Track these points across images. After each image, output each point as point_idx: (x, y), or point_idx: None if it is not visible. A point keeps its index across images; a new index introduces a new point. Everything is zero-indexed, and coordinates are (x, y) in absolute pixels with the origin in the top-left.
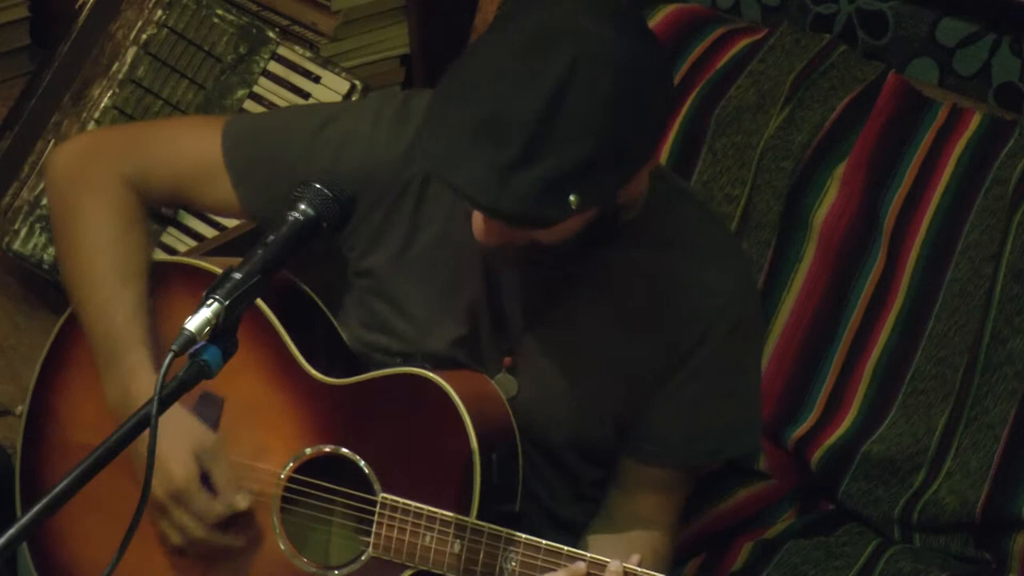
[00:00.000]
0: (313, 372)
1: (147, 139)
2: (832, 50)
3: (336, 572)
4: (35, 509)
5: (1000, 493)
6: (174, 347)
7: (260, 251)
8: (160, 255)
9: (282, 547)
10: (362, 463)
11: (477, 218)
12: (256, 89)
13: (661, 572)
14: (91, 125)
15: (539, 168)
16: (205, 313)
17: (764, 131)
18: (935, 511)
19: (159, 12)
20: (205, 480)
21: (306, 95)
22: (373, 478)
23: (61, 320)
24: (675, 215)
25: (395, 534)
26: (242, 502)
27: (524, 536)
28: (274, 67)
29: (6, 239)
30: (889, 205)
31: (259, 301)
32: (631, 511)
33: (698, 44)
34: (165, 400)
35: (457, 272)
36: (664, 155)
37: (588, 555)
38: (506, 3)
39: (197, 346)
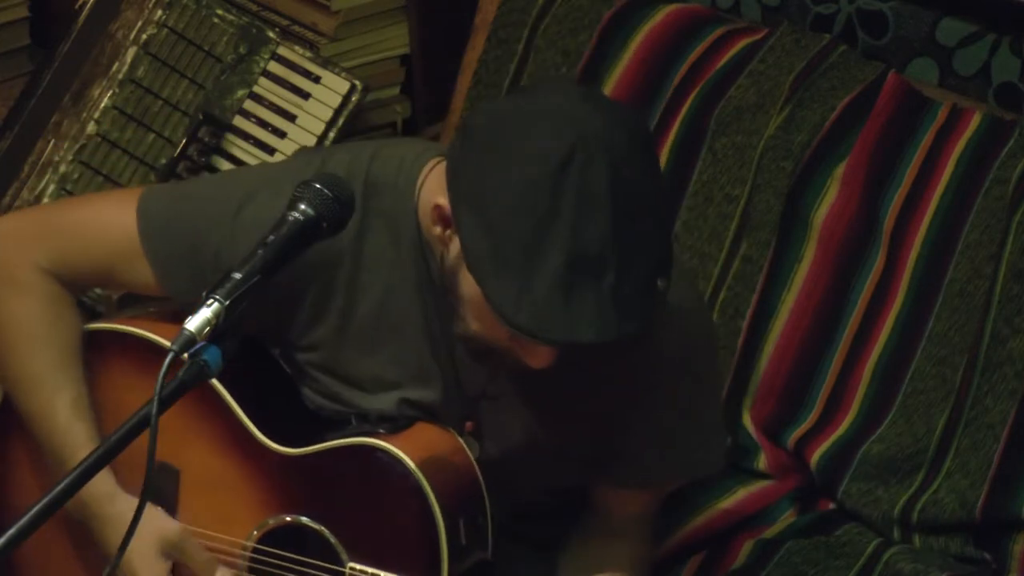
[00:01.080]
0: (267, 443)
1: (60, 225)
2: (832, 50)
3: None
4: (34, 510)
5: (1000, 493)
6: (174, 347)
7: (260, 251)
8: (94, 324)
9: None
10: (327, 533)
11: (531, 354)
12: (256, 89)
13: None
14: (91, 125)
15: (633, 278)
16: (205, 313)
17: (764, 131)
18: (935, 511)
19: (159, 12)
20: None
21: (306, 95)
22: (339, 548)
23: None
24: None
25: None
26: None
27: None
28: (274, 67)
29: None
30: (889, 205)
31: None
32: (607, 529)
33: (698, 44)
34: (165, 400)
35: (403, 341)
36: (664, 155)
37: None
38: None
39: (197, 346)
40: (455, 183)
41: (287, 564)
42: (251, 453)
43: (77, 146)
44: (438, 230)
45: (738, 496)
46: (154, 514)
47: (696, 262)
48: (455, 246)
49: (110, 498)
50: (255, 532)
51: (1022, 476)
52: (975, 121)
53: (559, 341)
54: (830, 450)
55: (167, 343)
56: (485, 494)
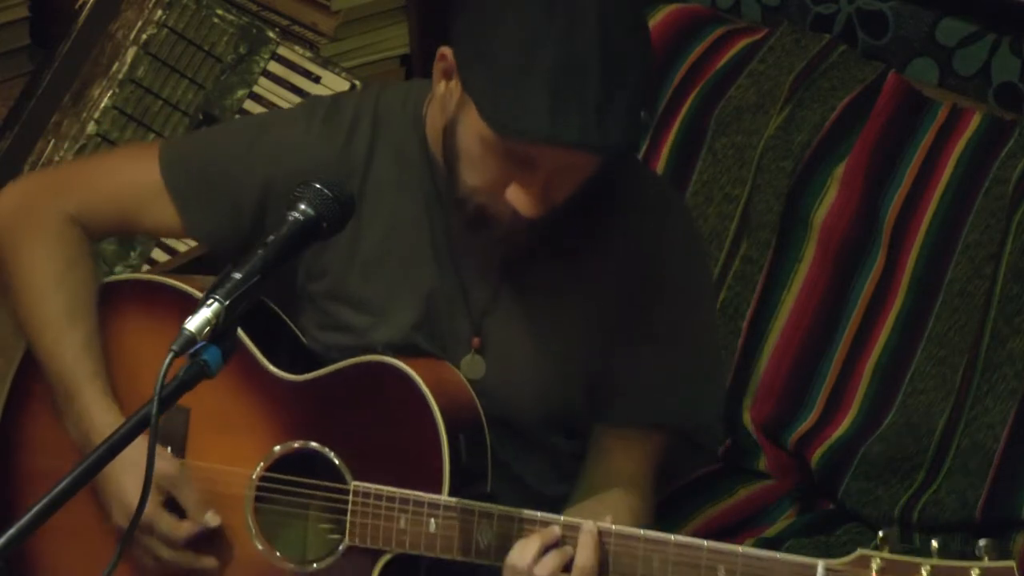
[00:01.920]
0: (276, 371)
1: (86, 173)
2: (832, 50)
3: (315, 566)
4: (34, 510)
5: (1000, 493)
6: (174, 347)
7: (260, 251)
8: (115, 276)
9: (259, 547)
10: (332, 455)
11: (522, 194)
12: (256, 89)
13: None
14: (91, 125)
15: (621, 97)
16: (205, 313)
17: (764, 131)
18: (935, 511)
19: (159, 12)
20: (173, 504)
21: (306, 95)
22: (344, 468)
23: (23, 351)
24: (615, 179)
25: (369, 520)
26: (212, 521)
27: (498, 508)
28: (274, 67)
29: None
30: (889, 205)
31: (191, 288)
32: (606, 476)
33: (698, 44)
34: (165, 400)
35: (409, 262)
36: (664, 154)
37: (562, 519)
38: None
39: (197, 346)
40: (457, 27)
41: (292, 489)
42: (260, 385)
43: (77, 146)
44: (442, 86)
45: (738, 496)
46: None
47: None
48: (457, 92)
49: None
50: (262, 463)
51: (1022, 476)
52: (975, 121)
53: (544, 138)
54: (830, 450)
55: (182, 286)
56: (485, 428)
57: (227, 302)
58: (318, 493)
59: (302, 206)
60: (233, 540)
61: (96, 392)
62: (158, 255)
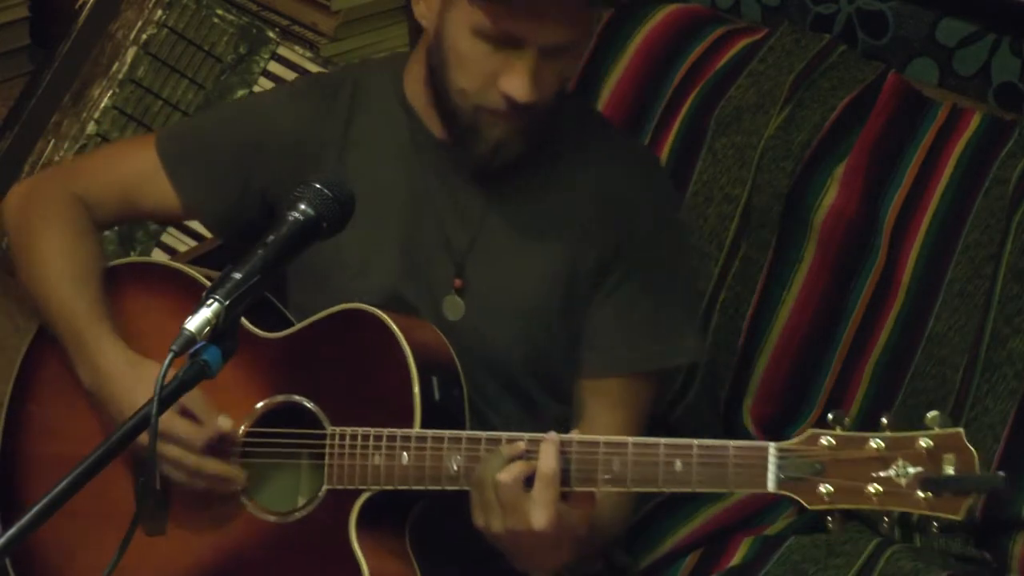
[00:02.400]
0: (256, 331)
1: (90, 162)
2: (832, 50)
3: (296, 514)
4: (34, 510)
5: (1000, 493)
6: (174, 347)
7: (260, 251)
8: (126, 259)
9: (245, 503)
10: (309, 404)
11: (514, 78)
12: (256, 89)
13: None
14: (91, 125)
15: None
16: (205, 313)
17: (764, 131)
18: None
19: (159, 12)
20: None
21: None
22: (322, 416)
23: (26, 344)
24: (586, 123)
25: (346, 461)
26: (225, 423)
27: (465, 432)
28: (274, 67)
29: (6, 239)
30: (889, 205)
31: (197, 273)
32: (589, 432)
33: (698, 44)
34: (165, 400)
35: (390, 212)
36: (664, 154)
37: (527, 435)
38: None
39: (197, 346)
40: None
41: (276, 442)
42: (243, 346)
43: (77, 146)
44: (421, 6)
45: (738, 495)
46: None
47: (696, 262)
48: (437, 3)
49: (133, 362)
50: (247, 421)
51: (1022, 476)
52: (975, 121)
53: None
54: None
55: (177, 265)
56: (461, 375)
57: (227, 302)
58: (300, 443)
59: (302, 206)
60: (224, 498)
61: (106, 330)
62: (158, 255)
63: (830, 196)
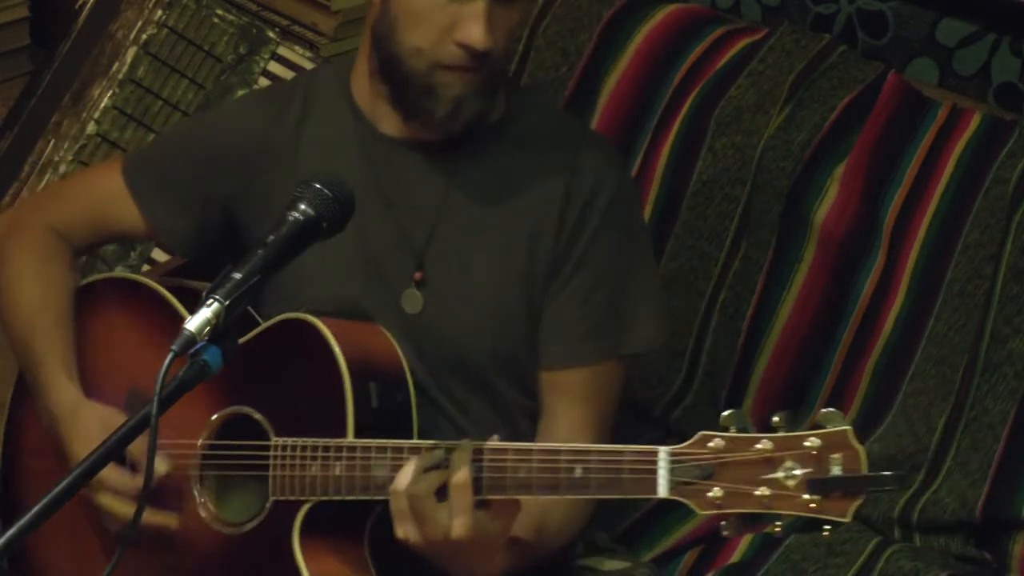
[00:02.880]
0: None
1: (61, 189)
2: (832, 50)
3: (247, 525)
4: (34, 510)
5: (1000, 493)
6: (174, 347)
7: (260, 251)
8: (91, 277)
9: (203, 515)
10: (258, 415)
11: (469, 25)
12: (256, 89)
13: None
14: (91, 125)
15: None
16: (205, 313)
17: (764, 131)
18: (935, 511)
19: (159, 12)
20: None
21: None
22: (267, 426)
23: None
24: (539, 111)
25: (287, 472)
26: (161, 466)
27: (391, 441)
28: (274, 67)
29: None
30: (889, 205)
31: (161, 289)
32: (552, 425)
33: (698, 44)
34: (165, 400)
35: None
36: (664, 154)
37: (445, 443)
38: None
39: (197, 346)
40: None
41: (229, 454)
42: None
43: (77, 146)
44: None
45: None
46: (100, 412)
47: (696, 262)
48: None
49: (81, 404)
50: (204, 434)
51: (1022, 476)
52: (975, 121)
53: None
54: None
55: (144, 280)
56: (408, 377)
57: (227, 302)
58: (249, 454)
59: (302, 206)
60: (184, 509)
61: (55, 371)
62: (158, 255)
63: (830, 196)
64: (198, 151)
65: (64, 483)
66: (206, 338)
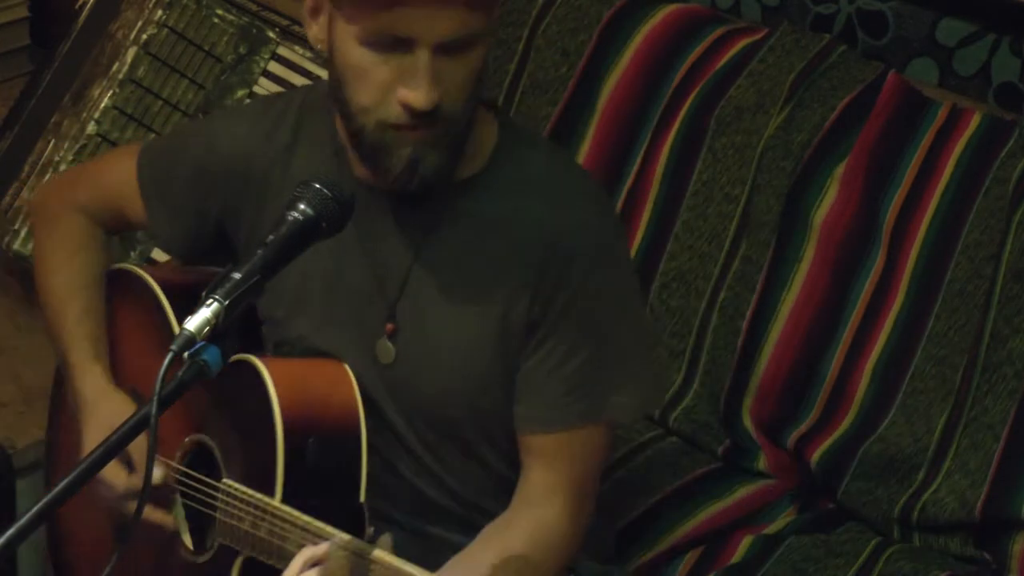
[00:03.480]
0: None
1: (92, 169)
2: (832, 50)
3: (201, 557)
4: (34, 510)
5: (1000, 493)
6: (173, 347)
7: (260, 251)
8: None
9: (172, 533)
10: (216, 450)
11: (410, 86)
12: (256, 89)
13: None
14: (91, 125)
15: None
16: (205, 313)
17: (764, 131)
18: (935, 511)
19: (159, 12)
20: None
21: None
22: (221, 463)
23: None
24: (525, 162)
25: (228, 519)
26: (157, 471)
27: (306, 520)
28: (274, 67)
29: (6, 239)
30: (889, 205)
31: (160, 291)
32: (525, 490)
33: (698, 44)
34: (165, 400)
35: (323, 252)
36: (664, 154)
37: (342, 537)
38: None
39: (197, 346)
40: None
41: (186, 481)
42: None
43: (77, 146)
44: (314, 28)
45: (738, 496)
46: (111, 409)
47: (696, 262)
48: (326, 14)
49: (105, 393)
50: (179, 453)
51: (1022, 476)
52: (975, 121)
53: None
54: (830, 450)
55: (144, 275)
56: (363, 436)
57: (226, 302)
58: (203, 489)
59: (301, 206)
60: (160, 524)
61: (85, 353)
62: (158, 255)
63: (830, 196)
64: (191, 162)
65: (65, 481)
66: (205, 338)
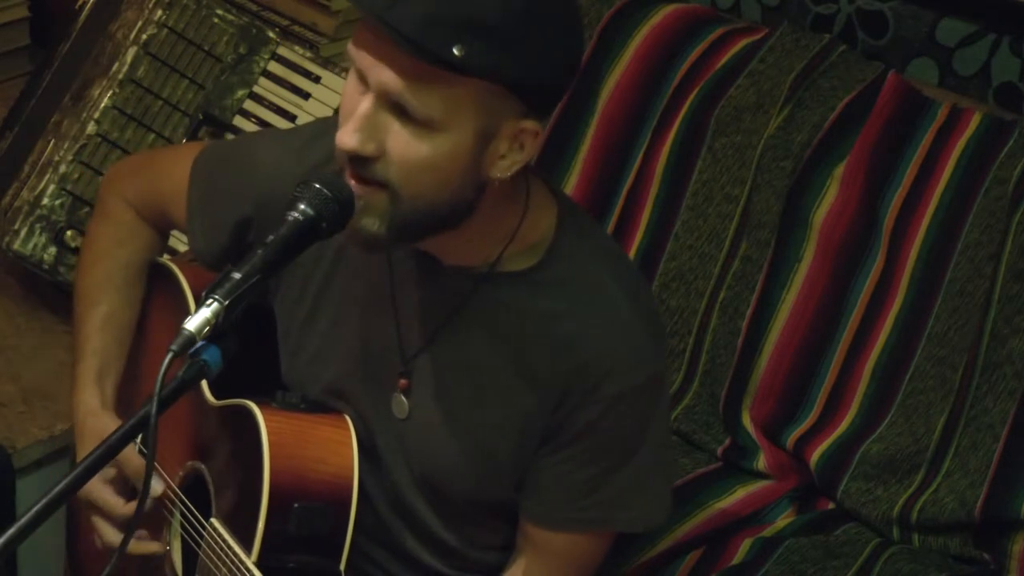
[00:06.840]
0: (205, 391)
1: (150, 163)
2: (832, 50)
3: None
4: (34, 510)
5: (999, 493)
6: (173, 347)
7: (260, 251)
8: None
9: (167, 553)
10: (211, 485)
11: (350, 120)
12: (256, 89)
13: None
14: (91, 125)
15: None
16: (205, 313)
17: (764, 131)
18: (934, 511)
19: (159, 12)
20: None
21: (306, 95)
22: (213, 500)
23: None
24: (579, 263)
25: (209, 560)
26: (156, 486)
27: None
28: (274, 67)
29: (6, 239)
30: (889, 205)
31: (189, 292)
32: (520, 571)
33: (698, 44)
34: (165, 400)
35: (350, 303)
36: (664, 154)
37: None
38: None
39: (197, 346)
40: None
41: (180, 507)
42: (192, 398)
43: (77, 146)
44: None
45: (737, 496)
46: (104, 425)
47: (696, 262)
48: None
49: (94, 413)
50: (180, 474)
51: (1022, 476)
52: (975, 121)
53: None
54: (829, 450)
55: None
56: (353, 505)
57: (226, 302)
58: (192, 521)
59: (301, 206)
60: (159, 540)
61: (89, 369)
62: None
63: (830, 196)
64: (234, 182)
65: (65, 481)
66: (206, 338)
